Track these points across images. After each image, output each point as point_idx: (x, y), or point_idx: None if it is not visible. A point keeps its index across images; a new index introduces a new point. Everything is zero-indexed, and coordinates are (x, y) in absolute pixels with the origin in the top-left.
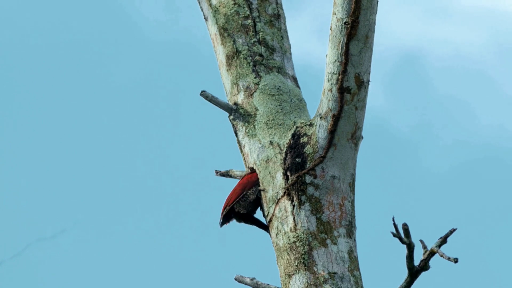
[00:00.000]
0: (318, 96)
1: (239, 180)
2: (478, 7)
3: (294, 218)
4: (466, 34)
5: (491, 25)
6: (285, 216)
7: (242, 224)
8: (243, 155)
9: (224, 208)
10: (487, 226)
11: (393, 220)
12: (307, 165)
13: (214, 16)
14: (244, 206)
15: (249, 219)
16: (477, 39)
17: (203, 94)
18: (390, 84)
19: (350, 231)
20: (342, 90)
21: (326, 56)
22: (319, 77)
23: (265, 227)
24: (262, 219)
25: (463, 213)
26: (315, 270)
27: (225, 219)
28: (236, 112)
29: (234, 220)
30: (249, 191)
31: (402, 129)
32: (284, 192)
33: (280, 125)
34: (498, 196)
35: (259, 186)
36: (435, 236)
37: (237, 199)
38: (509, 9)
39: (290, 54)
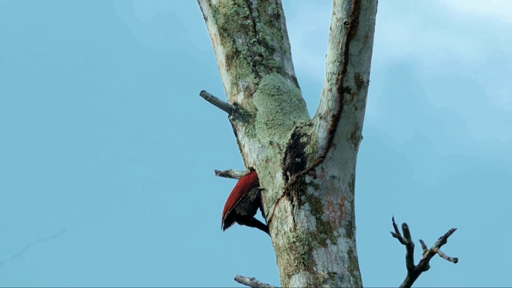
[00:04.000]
0: (310, 106)
1: (238, 180)
2: (469, 16)
3: (293, 218)
4: (457, 44)
5: (483, 34)
6: (284, 216)
7: (243, 226)
8: (242, 155)
9: (225, 212)
10: (480, 239)
11: (393, 220)
12: (307, 165)
13: (213, 16)
14: (245, 207)
15: (250, 221)
16: (469, 49)
17: (203, 94)
18: (382, 95)
19: (350, 231)
20: (342, 90)
21: (326, 56)
22: (310, 88)
23: (266, 228)
24: (262, 220)
25: (455, 226)
26: (315, 270)
27: (227, 222)
28: (236, 112)
29: (236, 223)
30: (249, 192)
31: (394, 141)
32: (284, 192)
33: (280, 125)
34: (490, 208)
35: (258, 186)
36: (433, 238)
37: (237, 202)
38: (501, 18)
39: (290, 54)
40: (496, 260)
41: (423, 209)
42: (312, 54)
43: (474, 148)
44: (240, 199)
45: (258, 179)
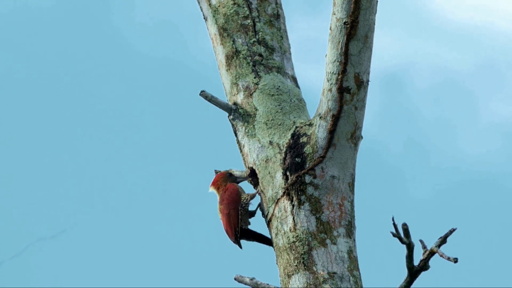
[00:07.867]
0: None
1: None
2: (461, 26)
3: (293, 218)
4: (449, 54)
5: (475, 44)
6: (284, 216)
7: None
8: (242, 155)
9: (234, 230)
10: (475, 248)
11: (393, 220)
12: (307, 165)
13: (213, 16)
14: (245, 220)
15: (253, 236)
16: (461, 59)
17: (203, 94)
18: (376, 105)
19: (350, 231)
20: (342, 90)
21: (326, 56)
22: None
23: (269, 242)
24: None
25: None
26: (315, 270)
27: (238, 240)
28: (236, 112)
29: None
30: (242, 201)
31: (388, 153)
32: (284, 192)
33: (280, 125)
34: (483, 218)
35: (243, 193)
36: (434, 239)
37: (238, 217)
38: (493, 27)
39: (290, 54)
40: (492, 266)
41: (416, 220)
42: (303, 62)
43: (465, 160)
44: (239, 211)
45: (236, 189)
